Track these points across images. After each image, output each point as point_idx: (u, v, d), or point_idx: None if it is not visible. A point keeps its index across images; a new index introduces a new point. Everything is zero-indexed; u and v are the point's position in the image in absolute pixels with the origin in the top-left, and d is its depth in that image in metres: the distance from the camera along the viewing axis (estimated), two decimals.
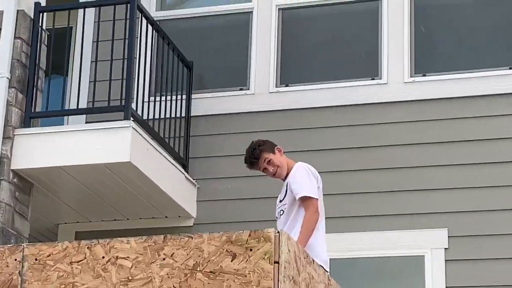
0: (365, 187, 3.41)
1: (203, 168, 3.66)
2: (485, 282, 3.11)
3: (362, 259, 3.25)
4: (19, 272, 1.34)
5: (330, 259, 2.39)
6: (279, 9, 3.87)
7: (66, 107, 3.60)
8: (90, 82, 3.43)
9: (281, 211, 2.49)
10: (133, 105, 3.21)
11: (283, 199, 2.50)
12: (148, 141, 3.15)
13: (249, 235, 1.23)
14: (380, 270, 3.30)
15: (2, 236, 2.93)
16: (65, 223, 3.68)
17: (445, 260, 3.17)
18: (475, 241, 3.23)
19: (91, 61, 3.50)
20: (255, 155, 2.45)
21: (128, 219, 3.58)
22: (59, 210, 3.57)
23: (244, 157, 2.52)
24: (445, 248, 3.17)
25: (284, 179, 2.44)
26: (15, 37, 3.23)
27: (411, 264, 3.27)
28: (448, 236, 3.19)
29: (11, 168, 3.09)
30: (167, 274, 1.27)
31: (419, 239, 3.22)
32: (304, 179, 2.35)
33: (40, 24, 3.34)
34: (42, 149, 3.08)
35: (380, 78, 3.62)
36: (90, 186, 3.18)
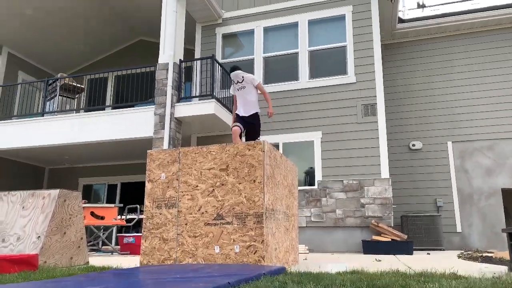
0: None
1: None
2: (335, 154, 8.59)
3: (291, 143, 8.84)
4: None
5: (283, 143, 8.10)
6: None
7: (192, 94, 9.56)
8: (201, 85, 9.35)
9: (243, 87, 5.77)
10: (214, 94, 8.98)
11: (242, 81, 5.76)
12: (219, 105, 8.88)
13: (254, 143, 4.11)
14: (298, 146, 8.88)
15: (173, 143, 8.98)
16: (193, 134, 9.62)
17: (321, 142, 8.71)
18: (333, 136, 8.69)
19: (201, 78, 9.40)
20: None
21: (212, 131, 9.46)
22: (191, 131, 9.48)
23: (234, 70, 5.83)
24: (320, 138, 8.71)
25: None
26: (173, 72, 9.07)
27: (309, 144, 8.80)
28: (322, 133, 8.72)
29: (175, 116, 9.05)
30: (227, 155, 4.14)
31: (312, 134, 8.76)
32: None
33: (181, 66, 9.08)
34: (191, 109, 8.79)
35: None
36: (203, 120, 8.98)
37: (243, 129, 5.69)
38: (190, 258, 4.06)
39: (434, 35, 10.08)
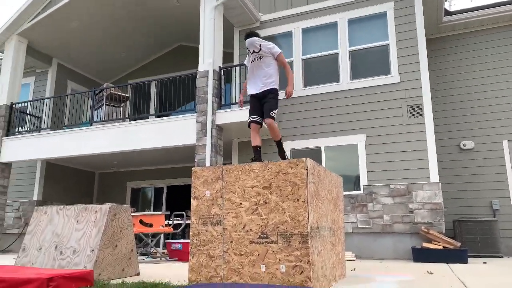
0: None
1: None
2: (380, 158, 8.30)
3: (333, 147, 8.65)
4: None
5: (325, 146, 7.95)
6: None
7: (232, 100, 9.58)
8: (240, 91, 9.35)
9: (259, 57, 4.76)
10: None
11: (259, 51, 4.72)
12: None
13: (297, 160, 3.84)
14: (341, 150, 8.68)
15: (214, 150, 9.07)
16: (234, 139, 9.64)
17: (365, 145, 8.45)
18: (378, 139, 8.40)
19: (240, 83, 9.41)
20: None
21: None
22: (232, 136, 9.51)
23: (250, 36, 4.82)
24: (364, 141, 8.45)
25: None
26: (213, 79, 9.12)
27: (352, 147, 8.58)
28: (366, 136, 8.46)
29: (216, 123, 9.11)
30: (270, 173, 3.98)
31: (355, 137, 8.52)
32: None
33: (220, 73, 9.13)
34: (231, 116, 8.67)
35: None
36: (244, 126, 8.99)
37: (262, 122, 4.88)
38: (237, 276, 4.08)
39: (485, 26, 9.47)
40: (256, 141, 4.94)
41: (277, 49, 4.87)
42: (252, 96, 4.91)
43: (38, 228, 5.60)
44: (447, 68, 9.60)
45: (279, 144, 4.95)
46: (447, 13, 9.68)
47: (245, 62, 5.12)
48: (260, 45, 4.83)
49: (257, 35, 4.91)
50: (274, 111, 4.75)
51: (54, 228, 5.51)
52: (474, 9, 9.54)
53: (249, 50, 4.90)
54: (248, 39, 4.86)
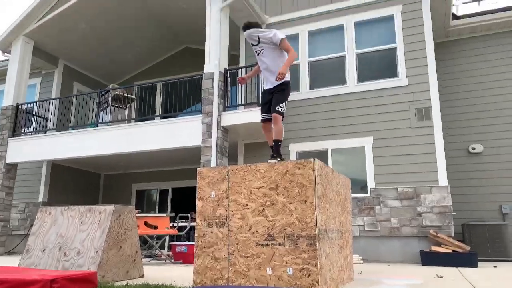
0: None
1: None
2: (388, 161, 8.20)
3: (340, 149, 8.58)
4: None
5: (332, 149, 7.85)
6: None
7: (238, 102, 9.53)
8: (246, 93, 9.31)
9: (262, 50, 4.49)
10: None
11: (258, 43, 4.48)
12: None
13: (304, 161, 3.75)
14: (347, 152, 8.60)
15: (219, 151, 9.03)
16: (240, 140, 9.56)
17: (372, 148, 8.36)
18: (385, 142, 8.31)
19: (246, 85, 9.36)
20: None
21: (259, 138, 9.37)
22: (238, 138, 9.46)
23: (247, 28, 4.55)
24: (372, 144, 8.36)
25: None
26: (219, 80, 9.08)
27: (359, 150, 8.49)
28: (373, 139, 8.37)
29: (221, 125, 9.06)
30: (276, 174, 3.89)
31: (363, 140, 8.43)
32: None
33: (226, 75, 9.08)
34: (237, 118, 8.52)
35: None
36: (250, 127, 8.95)
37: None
38: (243, 278, 4.01)
39: (493, 31, 9.38)
40: (271, 140, 4.83)
41: (278, 37, 4.48)
42: (264, 90, 4.77)
43: (42, 229, 5.56)
44: (455, 72, 9.50)
45: (277, 145, 4.67)
46: (455, 17, 9.59)
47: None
48: (258, 37, 4.56)
49: (255, 26, 4.60)
50: (281, 105, 4.53)
51: (58, 229, 5.47)
52: (482, 13, 9.44)
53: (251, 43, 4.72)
54: (246, 32, 4.60)
